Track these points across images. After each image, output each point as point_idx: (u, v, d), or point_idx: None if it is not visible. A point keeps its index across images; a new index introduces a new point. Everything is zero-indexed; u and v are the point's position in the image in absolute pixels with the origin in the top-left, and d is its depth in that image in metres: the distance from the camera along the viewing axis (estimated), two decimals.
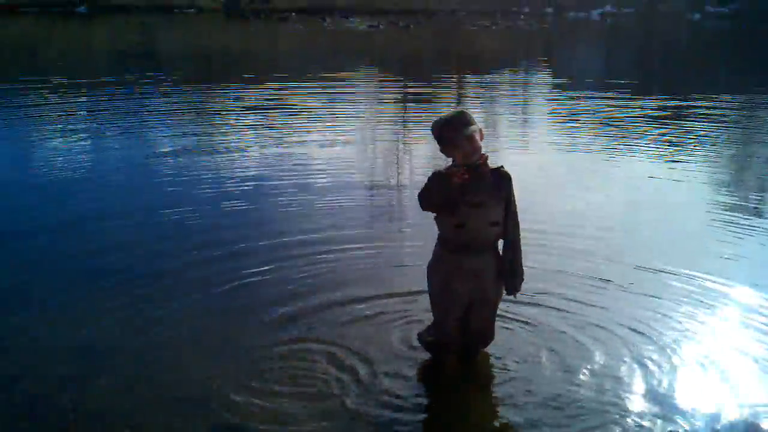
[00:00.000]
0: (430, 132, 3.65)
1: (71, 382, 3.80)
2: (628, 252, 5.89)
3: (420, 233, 5.90)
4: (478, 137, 3.56)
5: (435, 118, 3.67)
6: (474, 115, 3.63)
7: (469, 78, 19.94)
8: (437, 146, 3.66)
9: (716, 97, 15.31)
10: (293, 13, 49.63)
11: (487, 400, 3.78)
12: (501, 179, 3.65)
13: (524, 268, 3.83)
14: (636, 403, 3.67)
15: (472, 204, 3.57)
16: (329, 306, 4.77)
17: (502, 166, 3.68)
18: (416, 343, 4.14)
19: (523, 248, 3.80)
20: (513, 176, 3.67)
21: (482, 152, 3.58)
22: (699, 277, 5.30)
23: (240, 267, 5.39)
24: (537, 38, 38.15)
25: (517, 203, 3.72)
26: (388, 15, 50.53)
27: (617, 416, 3.55)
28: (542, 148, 10.52)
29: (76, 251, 5.70)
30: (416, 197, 3.63)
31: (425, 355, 4.10)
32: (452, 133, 3.54)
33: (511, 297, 3.91)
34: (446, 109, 3.92)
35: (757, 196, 8.17)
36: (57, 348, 4.16)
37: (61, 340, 4.25)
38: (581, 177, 8.60)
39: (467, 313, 3.83)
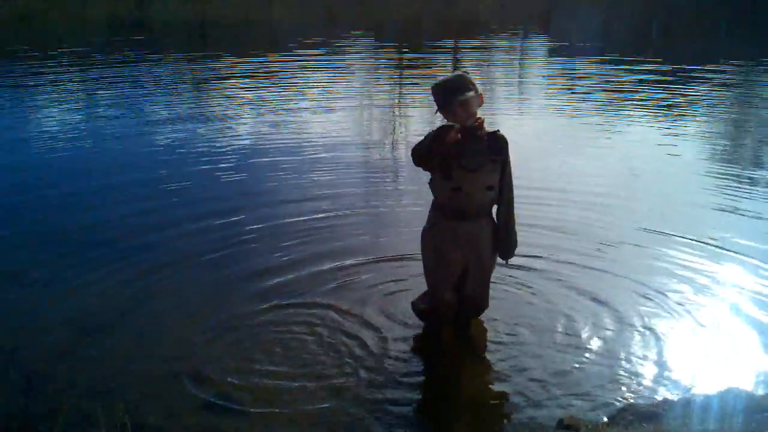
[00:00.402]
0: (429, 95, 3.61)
1: (64, 356, 3.78)
2: (623, 215, 5.93)
3: (415, 197, 5.98)
4: (474, 102, 3.51)
5: (435, 81, 3.62)
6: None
7: (467, 43, 19.71)
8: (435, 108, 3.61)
9: (715, 63, 15.18)
10: None
11: (482, 371, 3.77)
12: (497, 143, 3.59)
13: (518, 233, 3.79)
14: (632, 370, 3.66)
15: (467, 168, 3.53)
16: (320, 273, 4.77)
17: (498, 130, 3.63)
18: (410, 311, 4.12)
19: (517, 211, 3.77)
20: (509, 140, 3.62)
21: (478, 116, 3.53)
22: (696, 241, 5.31)
23: (231, 235, 5.39)
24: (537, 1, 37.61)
25: (512, 168, 3.67)
26: None
27: (613, 386, 3.53)
28: (538, 112, 10.48)
29: (66, 224, 5.66)
30: (410, 155, 3.57)
31: (417, 324, 4.08)
32: (446, 97, 3.50)
33: (504, 263, 3.88)
34: (442, 74, 3.84)
35: (755, 159, 8.25)
36: (49, 321, 4.14)
37: (52, 313, 4.24)
38: (576, 141, 8.60)
39: (462, 279, 3.81)
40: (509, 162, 3.64)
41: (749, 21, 29.93)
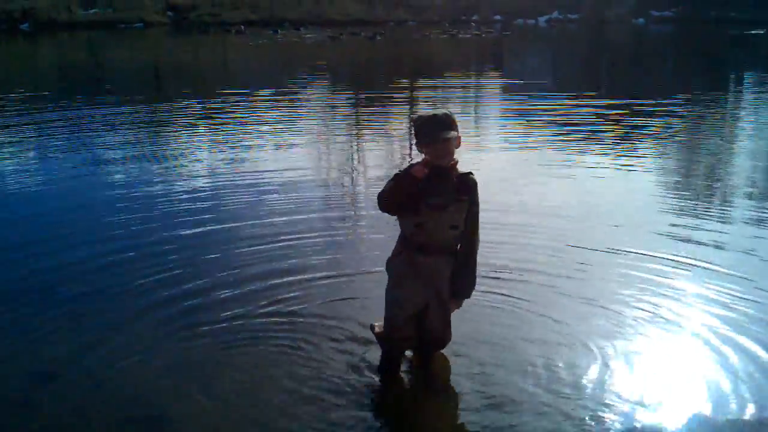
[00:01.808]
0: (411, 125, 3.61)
1: (21, 406, 3.64)
2: (578, 238, 6.05)
3: (373, 230, 6.09)
4: (454, 143, 3.52)
5: (420, 112, 3.60)
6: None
7: (422, 82, 19.97)
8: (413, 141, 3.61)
9: (661, 97, 15.57)
10: (242, 26, 49.20)
11: (439, 403, 3.74)
12: (466, 184, 3.62)
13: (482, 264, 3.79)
14: (595, 399, 3.65)
15: (432, 206, 3.54)
16: (278, 302, 4.78)
17: (470, 172, 3.65)
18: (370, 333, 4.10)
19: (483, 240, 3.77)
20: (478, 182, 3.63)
21: (454, 158, 3.56)
22: (650, 257, 5.53)
23: (184, 272, 5.30)
24: (502, 44, 38.48)
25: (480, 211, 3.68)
26: (339, 26, 50.54)
27: (575, 414, 3.51)
28: (494, 147, 10.57)
29: (21, 270, 5.48)
30: (375, 197, 3.60)
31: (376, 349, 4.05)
32: (431, 132, 3.48)
33: (460, 302, 3.84)
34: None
35: (701, 183, 8.53)
36: (5, 369, 3.99)
37: (2, 361, 4.08)
38: (530, 172, 8.69)
39: (424, 313, 3.78)
40: (477, 203, 3.66)
41: (694, 57, 30.94)
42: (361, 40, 40.07)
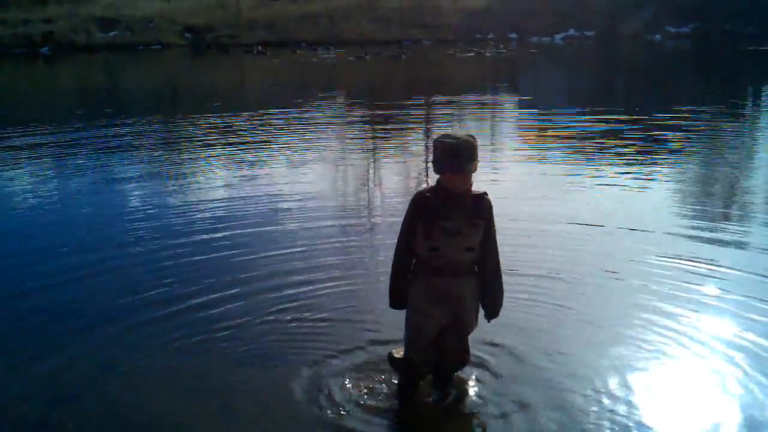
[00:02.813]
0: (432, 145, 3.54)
1: (36, 428, 3.64)
2: (593, 256, 5.98)
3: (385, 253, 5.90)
4: (471, 173, 3.47)
5: (445, 132, 3.50)
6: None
7: (438, 98, 19.97)
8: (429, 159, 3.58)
9: (677, 112, 15.47)
10: (259, 46, 49.61)
11: (458, 418, 3.72)
12: (481, 206, 3.58)
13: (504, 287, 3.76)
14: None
15: (447, 230, 3.51)
16: (297, 319, 4.79)
17: (485, 193, 3.62)
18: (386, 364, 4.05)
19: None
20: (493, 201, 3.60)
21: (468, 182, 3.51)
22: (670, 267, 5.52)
23: (199, 297, 5.27)
24: (533, 61, 38.40)
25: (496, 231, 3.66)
26: (354, 46, 50.79)
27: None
28: (510, 163, 10.56)
29: (31, 290, 5.50)
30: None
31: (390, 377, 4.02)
32: (450, 163, 3.42)
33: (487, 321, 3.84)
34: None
35: (716, 200, 8.41)
36: (18, 391, 3.99)
37: (22, 383, 4.08)
38: (548, 188, 8.64)
39: (442, 335, 3.75)
40: (493, 225, 3.64)
41: (711, 71, 30.77)
42: (388, 59, 39.53)
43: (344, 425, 3.60)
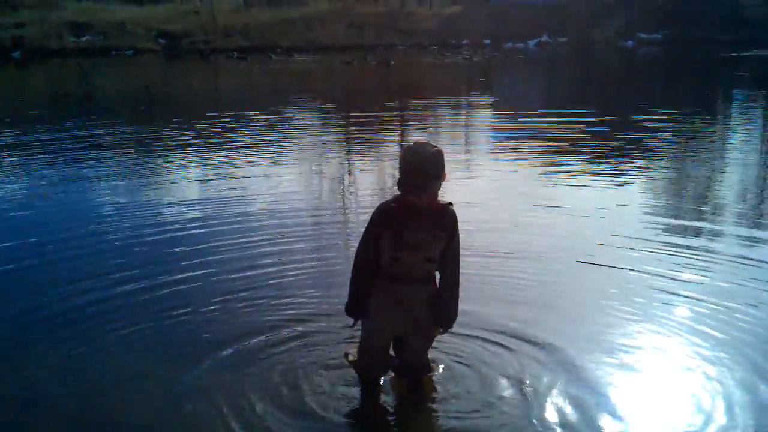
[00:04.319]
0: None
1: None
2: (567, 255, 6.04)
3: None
4: (434, 190, 3.40)
5: (415, 142, 3.43)
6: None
7: (412, 102, 19.98)
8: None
9: (649, 115, 15.62)
10: (234, 52, 49.25)
11: (425, 417, 3.70)
12: (444, 218, 3.52)
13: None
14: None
15: (409, 244, 3.47)
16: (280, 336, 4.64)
17: (450, 204, 3.56)
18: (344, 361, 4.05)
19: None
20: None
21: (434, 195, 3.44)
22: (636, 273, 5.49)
23: (174, 298, 5.23)
24: (502, 67, 38.53)
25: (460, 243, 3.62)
26: (329, 51, 50.61)
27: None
28: (484, 164, 10.62)
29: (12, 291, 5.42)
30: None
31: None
32: (414, 183, 3.36)
33: (441, 330, 3.81)
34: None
35: (688, 201, 8.53)
36: None
37: None
38: (523, 190, 8.64)
39: (403, 341, 3.74)
40: (456, 236, 3.58)
41: (685, 74, 31.14)
42: (378, 65, 38.64)
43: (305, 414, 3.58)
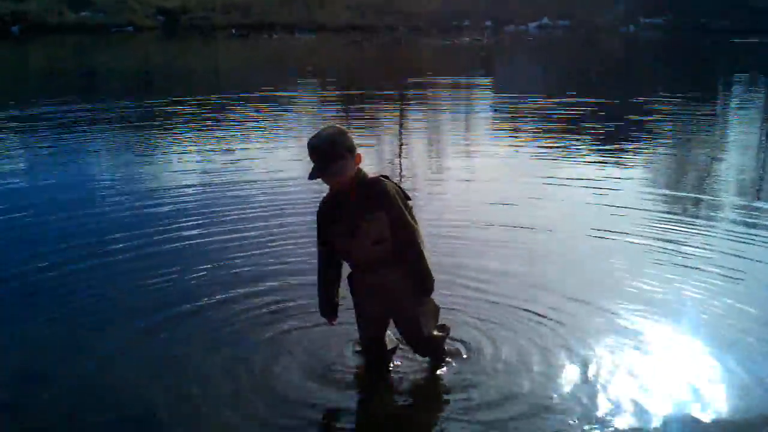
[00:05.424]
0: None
1: (6, 408, 3.57)
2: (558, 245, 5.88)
3: None
4: (341, 173, 3.32)
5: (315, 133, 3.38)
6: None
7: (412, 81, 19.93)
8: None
9: (649, 100, 15.61)
10: (233, 30, 48.94)
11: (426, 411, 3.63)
12: (373, 195, 3.40)
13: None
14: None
15: (339, 235, 3.49)
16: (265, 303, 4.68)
17: (380, 178, 3.46)
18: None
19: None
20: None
21: (350, 174, 3.37)
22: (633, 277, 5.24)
23: (173, 276, 5.21)
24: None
25: (404, 211, 3.45)
26: (329, 31, 50.38)
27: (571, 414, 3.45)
28: (484, 146, 10.66)
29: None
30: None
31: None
32: (313, 168, 3.36)
33: (425, 300, 3.68)
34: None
35: (686, 184, 8.50)
36: None
37: None
38: (522, 172, 8.60)
39: (396, 324, 3.78)
40: (395, 207, 3.41)
41: (683, 60, 31.05)
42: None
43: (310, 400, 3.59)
